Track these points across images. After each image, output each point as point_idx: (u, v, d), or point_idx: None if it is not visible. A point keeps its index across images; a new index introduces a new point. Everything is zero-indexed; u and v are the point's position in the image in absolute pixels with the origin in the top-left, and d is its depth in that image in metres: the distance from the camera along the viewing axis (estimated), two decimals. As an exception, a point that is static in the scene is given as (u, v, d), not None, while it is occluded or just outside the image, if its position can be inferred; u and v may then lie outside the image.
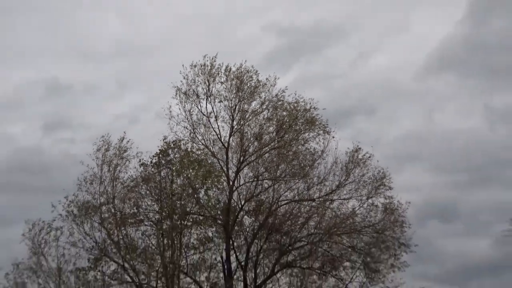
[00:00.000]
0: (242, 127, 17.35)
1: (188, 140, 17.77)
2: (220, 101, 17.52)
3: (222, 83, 17.30)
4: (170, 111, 17.22)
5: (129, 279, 16.48)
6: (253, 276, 16.78)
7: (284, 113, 17.07)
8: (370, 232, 16.91)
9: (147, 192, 16.74)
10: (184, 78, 17.28)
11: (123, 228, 16.47)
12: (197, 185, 16.65)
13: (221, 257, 16.84)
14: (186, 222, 16.84)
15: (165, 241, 16.42)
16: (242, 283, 16.92)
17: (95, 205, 16.37)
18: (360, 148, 16.87)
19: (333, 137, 16.86)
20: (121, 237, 16.52)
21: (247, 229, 17.57)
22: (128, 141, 16.55)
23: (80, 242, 16.39)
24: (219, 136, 17.65)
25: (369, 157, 16.53)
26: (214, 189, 17.08)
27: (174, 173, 16.70)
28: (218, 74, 17.03)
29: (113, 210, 16.53)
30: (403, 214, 17.19)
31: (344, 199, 17.45)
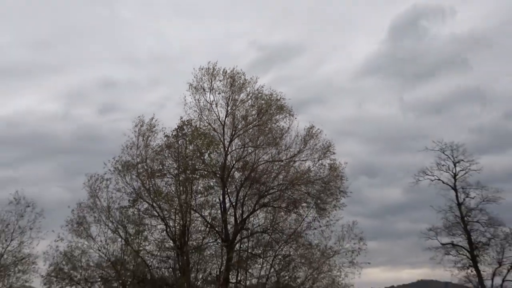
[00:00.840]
0: (234, 111, 23.02)
1: (197, 120, 23.25)
2: (219, 93, 23.20)
3: (220, 81, 23.12)
4: (185, 100, 22.99)
5: (156, 214, 21.56)
6: (241, 213, 22.38)
7: (262, 101, 22.89)
8: (319, 183, 22.51)
9: (169, 155, 22.20)
10: (194, 77, 23.00)
11: (152, 180, 21.63)
12: (203, 150, 22.10)
13: (219, 200, 22.46)
14: (195, 175, 21.99)
15: (181, 188, 21.83)
16: (233, 217, 22.24)
17: (133, 163, 21.64)
18: (313, 126, 22.88)
19: (295, 118, 22.79)
20: (151, 186, 21.57)
21: (237, 181, 22.88)
22: (156, 120, 21.94)
23: (123, 188, 21.61)
24: (218, 117, 23.28)
25: (320, 132, 22.53)
26: (214, 153, 22.49)
27: (187, 142, 22.02)
28: (218, 74, 22.91)
29: (145, 167, 21.56)
30: (342, 171, 22.75)
31: (302, 160, 23.09)
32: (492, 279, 31.61)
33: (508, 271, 31.08)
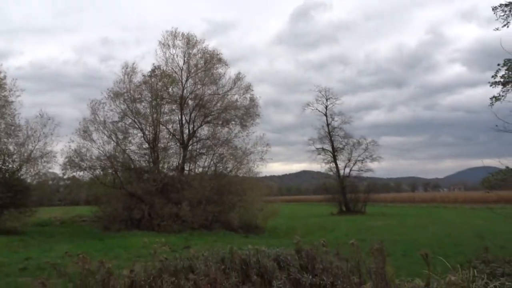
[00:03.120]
0: (188, 61, 29.08)
1: (164, 65, 28.78)
2: (179, 48, 28.89)
3: (180, 40, 28.79)
4: (156, 53, 29.03)
5: (137, 127, 27.70)
6: (192, 127, 29.20)
7: (208, 55, 28.97)
8: (243, 109, 29.04)
9: (145, 88, 28.04)
10: (163, 37, 28.45)
11: (134, 104, 27.56)
12: (168, 86, 28.25)
13: (178, 118, 29.02)
14: (163, 102, 28.30)
15: (153, 110, 27.72)
16: (187, 130, 28.93)
17: (121, 92, 27.27)
18: (240, 73, 29.79)
19: (229, 67, 29.52)
20: (133, 108, 27.44)
21: (190, 106, 29.25)
22: (136, 65, 28.21)
23: (114, 109, 27.22)
24: (178, 64, 28.92)
25: (244, 77, 29.65)
26: (175, 88, 28.87)
27: (158, 80, 27.97)
28: (178, 36, 28.66)
29: (129, 95, 27.37)
30: (258, 102, 29.65)
31: (233, 94, 29.63)
32: (344, 169, 45.84)
33: (353, 164, 45.43)
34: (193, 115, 29.83)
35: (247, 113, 29.81)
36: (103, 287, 5.10)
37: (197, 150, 29.95)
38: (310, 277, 5.46)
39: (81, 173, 27.20)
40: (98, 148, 27.00)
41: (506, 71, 9.09)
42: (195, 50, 29.46)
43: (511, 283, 6.96)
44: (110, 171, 28.06)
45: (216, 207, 25.52)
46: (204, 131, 30.28)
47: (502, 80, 9.19)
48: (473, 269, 7.65)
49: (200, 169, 29.67)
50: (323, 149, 46.65)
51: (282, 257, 6.07)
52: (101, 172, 28.02)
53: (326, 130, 46.32)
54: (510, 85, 9.16)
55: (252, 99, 30.23)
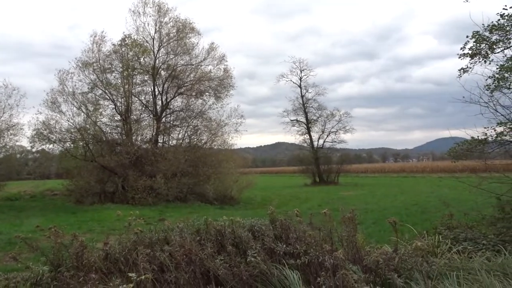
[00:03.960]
0: (160, 30, 28.33)
1: (135, 34, 27.93)
2: (150, 16, 28.06)
3: (150, 7, 27.97)
4: (126, 21, 29.05)
5: (108, 98, 27.03)
6: (165, 98, 28.80)
7: (180, 24, 28.34)
8: (217, 80, 28.90)
9: (116, 58, 27.18)
10: (133, 4, 28.15)
11: (104, 74, 26.82)
12: (139, 55, 27.40)
13: (151, 89, 28.61)
14: (134, 72, 27.51)
15: (125, 81, 26.70)
16: (160, 101, 28.62)
17: (89, 62, 26.32)
18: (213, 43, 29.55)
19: (202, 37, 30.32)
20: (103, 78, 26.70)
21: (163, 77, 28.80)
22: (105, 32, 27.07)
23: (83, 80, 26.20)
24: (149, 33, 28.27)
25: (218, 47, 29.28)
26: (147, 58, 28.10)
27: (128, 50, 27.03)
28: (149, 3, 27.84)
29: (99, 66, 26.41)
30: (232, 73, 29.61)
31: (206, 65, 29.23)
32: (318, 141, 46.49)
33: (327, 136, 46.09)
34: (166, 86, 29.37)
35: (221, 85, 29.66)
36: (77, 260, 5.08)
37: (171, 122, 29.67)
38: (284, 246, 5.60)
39: (51, 146, 26.47)
40: (68, 120, 26.10)
41: (474, 43, 9.30)
42: (166, 19, 28.71)
43: (473, 247, 7.37)
44: (81, 143, 27.32)
45: (191, 179, 25.59)
46: (178, 102, 29.82)
47: (470, 52, 9.41)
48: (438, 235, 8.06)
49: (174, 142, 29.55)
50: (297, 120, 47.06)
51: (256, 227, 6.18)
52: (72, 145, 27.36)
53: (300, 101, 46.64)
54: (477, 57, 9.41)
55: (226, 70, 29.95)
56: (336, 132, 46.16)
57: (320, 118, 46.23)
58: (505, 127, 8.80)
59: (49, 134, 25.85)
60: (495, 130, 8.76)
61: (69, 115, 26.01)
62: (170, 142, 29.66)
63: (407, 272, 5.44)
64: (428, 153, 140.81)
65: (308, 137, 46.72)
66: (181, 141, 29.25)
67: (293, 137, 46.95)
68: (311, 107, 46.53)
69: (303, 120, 46.67)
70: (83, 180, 26.28)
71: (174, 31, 28.85)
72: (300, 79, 46.99)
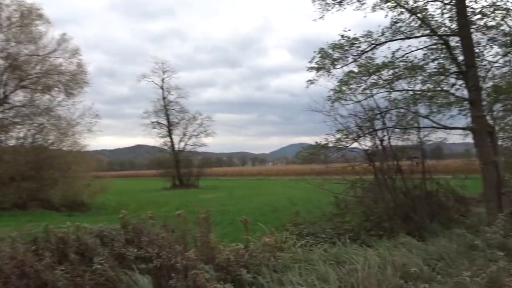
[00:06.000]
0: (0, 12, 24.91)
1: None
2: None
3: None
4: None
5: None
6: (4, 91, 25.36)
7: (25, 8, 25.30)
8: (69, 75, 26.50)
9: None
10: None
11: None
12: None
13: None
14: None
15: None
16: None
17: None
18: (66, 34, 26.95)
19: (52, 26, 26.40)
20: None
21: (2, 66, 25.35)
22: None
23: None
24: None
25: (71, 39, 27.00)
26: None
27: None
28: None
29: None
30: (87, 68, 27.81)
31: (56, 57, 26.85)
32: (179, 144, 46.32)
33: (188, 139, 46.24)
34: (4, 77, 25.78)
35: (74, 80, 26.95)
36: None
37: (10, 119, 26.33)
38: (136, 250, 5.39)
39: None
40: None
41: (320, 58, 10.46)
42: (8, 1, 25.24)
43: (314, 240, 8.22)
44: None
45: (33, 184, 22.92)
46: (19, 97, 26.38)
47: (316, 66, 10.56)
48: (286, 231, 8.78)
49: (14, 141, 26.37)
50: (158, 122, 46.10)
51: (106, 232, 5.81)
52: None
53: (162, 103, 45.77)
54: (322, 71, 10.61)
55: (80, 65, 27.55)
56: (197, 135, 46.62)
57: (182, 121, 46.14)
58: (342, 134, 10.05)
59: None
60: (334, 136, 9.94)
61: None
62: (9, 141, 26.35)
63: (256, 267, 5.76)
64: (282, 157, 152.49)
65: (169, 139, 46.20)
66: (22, 141, 26.12)
67: (154, 139, 45.75)
68: (173, 109, 46.13)
69: (165, 122, 45.95)
70: None
71: (17, 15, 25.57)
72: (163, 80, 46.14)
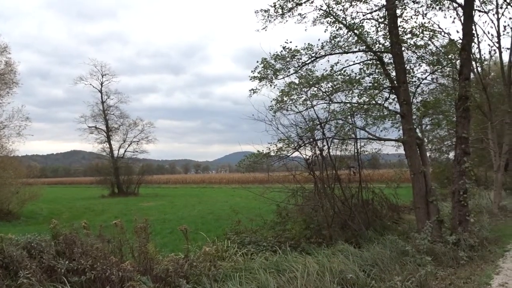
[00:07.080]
0: None
1: None
2: None
3: None
4: None
5: None
6: None
7: None
8: None
9: None
10: None
11: None
12: None
13: None
14: None
15: None
16: None
17: None
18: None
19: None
20: None
21: None
22: None
23: None
24: None
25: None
26: None
27: None
28: None
29: None
30: (16, 67, 25.67)
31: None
32: (118, 150, 44.71)
33: (129, 145, 44.82)
34: None
35: (1, 80, 25.01)
36: None
37: None
38: (67, 262, 5.09)
39: None
40: None
41: (262, 68, 10.62)
42: None
43: (255, 249, 8.27)
44: None
45: (-49, 192, 20.89)
46: None
47: (259, 75, 10.69)
48: (228, 240, 8.75)
49: None
50: (96, 127, 44.04)
51: (34, 243, 5.44)
52: None
53: (101, 108, 43.80)
54: (264, 81, 10.77)
55: (8, 64, 25.39)
56: (138, 142, 45.12)
57: (122, 127, 44.44)
58: (283, 143, 10.25)
59: None
60: (276, 146, 10.10)
61: None
62: None
63: (196, 277, 5.67)
64: (226, 165, 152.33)
65: (108, 145, 44.29)
66: None
67: (91, 145, 43.71)
68: (113, 114, 44.31)
69: (103, 127, 44.01)
70: None
71: None
72: (101, 84, 44.18)
